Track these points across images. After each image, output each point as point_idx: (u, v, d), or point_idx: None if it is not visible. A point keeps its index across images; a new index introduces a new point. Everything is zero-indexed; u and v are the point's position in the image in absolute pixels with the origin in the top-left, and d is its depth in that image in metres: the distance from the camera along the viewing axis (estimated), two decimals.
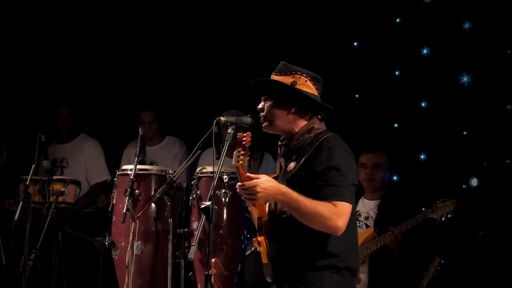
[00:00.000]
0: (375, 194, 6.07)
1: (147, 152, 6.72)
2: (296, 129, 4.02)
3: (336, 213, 3.76)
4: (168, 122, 7.13)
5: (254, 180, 3.81)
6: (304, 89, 4.00)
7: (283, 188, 3.82)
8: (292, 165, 3.97)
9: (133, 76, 7.66)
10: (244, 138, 3.79)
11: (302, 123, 4.02)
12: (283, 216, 3.97)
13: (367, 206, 6.04)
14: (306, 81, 4.01)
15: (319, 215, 3.76)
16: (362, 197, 6.08)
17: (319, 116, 4.04)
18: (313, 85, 4.02)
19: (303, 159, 3.90)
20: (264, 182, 3.81)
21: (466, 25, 6.56)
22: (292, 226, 3.87)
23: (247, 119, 4.33)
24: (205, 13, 7.52)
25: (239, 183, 3.84)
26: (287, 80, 4.01)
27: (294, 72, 4.03)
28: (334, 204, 3.77)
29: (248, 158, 3.80)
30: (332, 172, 3.81)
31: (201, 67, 7.50)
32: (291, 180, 3.92)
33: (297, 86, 4.00)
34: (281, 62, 4.10)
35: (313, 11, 7.17)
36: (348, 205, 3.82)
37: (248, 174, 3.85)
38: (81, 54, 7.72)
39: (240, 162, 3.80)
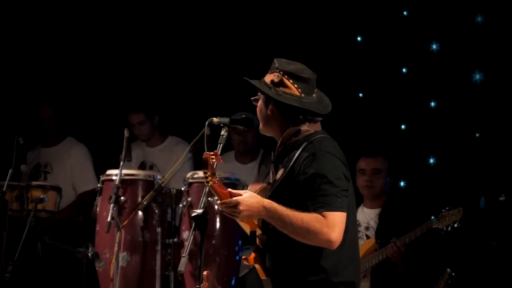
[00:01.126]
0: (375, 202, 6.01)
1: (147, 154, 6.69)
2: (282, 132, 3.96)
3: (327, 226, 3.69)
4: (171, 122, 7.07)
5: (235, 198, 3.75)
6: (281, 89, 3.91)
7: (267, 203, 3.76)
8: (280, 172, 3.92)
9: (127, 74, 7.60)
10: (212, 158, 3.72)
11: (286, 125, 3.94)
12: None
13: (367, 215, 5.99)
14: (281, 79, 3.91)
15: (308, 230, 3.69)
16: (361, 206, 6.02)
17: (297, 120, 3.91)
18: (293, 84, 3.91)
19: (289, 166, 3.85)
20: (246, 199, 3.75)
21: (479, 19, 6.55)
22: (282, 238, 3.81)
23: (243, 120, 4.28)
24: (206, 8, 7.49)
25: (219, 201, 3.78)
26: (269, 78, 3.94)
27: (274, 70, 3.95)
28: (323, 216, 3.71)
29: (217, 178, 3.72)
30: (318, 180, 3.74)
31: (206, 64, 7.44)
32: (278, 190, 3.87)
33: (272, 85, 3.90)
34: (275, 58, 4.04)
35: (314, 3, 7.15)
36: (340, 214, 3.74)
37: (229, 190, 3.79)
38: (67, 50, 7.66)
39: (210, 183, 3.73)
